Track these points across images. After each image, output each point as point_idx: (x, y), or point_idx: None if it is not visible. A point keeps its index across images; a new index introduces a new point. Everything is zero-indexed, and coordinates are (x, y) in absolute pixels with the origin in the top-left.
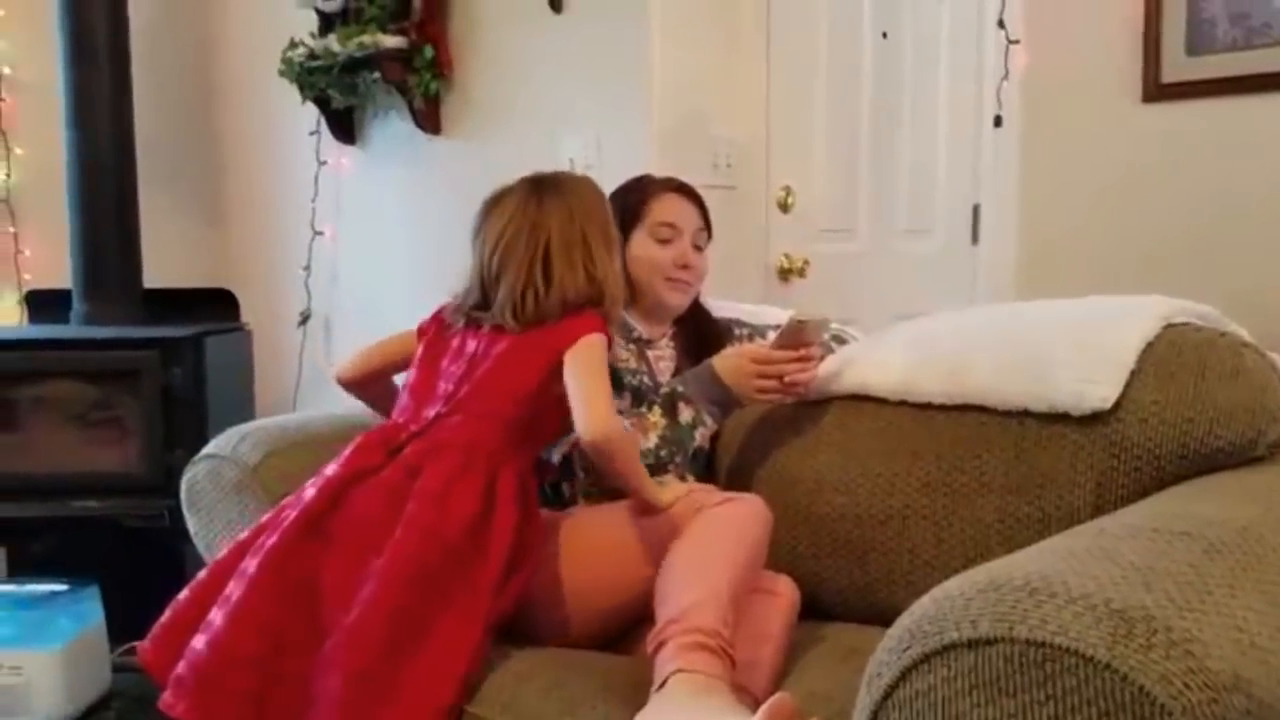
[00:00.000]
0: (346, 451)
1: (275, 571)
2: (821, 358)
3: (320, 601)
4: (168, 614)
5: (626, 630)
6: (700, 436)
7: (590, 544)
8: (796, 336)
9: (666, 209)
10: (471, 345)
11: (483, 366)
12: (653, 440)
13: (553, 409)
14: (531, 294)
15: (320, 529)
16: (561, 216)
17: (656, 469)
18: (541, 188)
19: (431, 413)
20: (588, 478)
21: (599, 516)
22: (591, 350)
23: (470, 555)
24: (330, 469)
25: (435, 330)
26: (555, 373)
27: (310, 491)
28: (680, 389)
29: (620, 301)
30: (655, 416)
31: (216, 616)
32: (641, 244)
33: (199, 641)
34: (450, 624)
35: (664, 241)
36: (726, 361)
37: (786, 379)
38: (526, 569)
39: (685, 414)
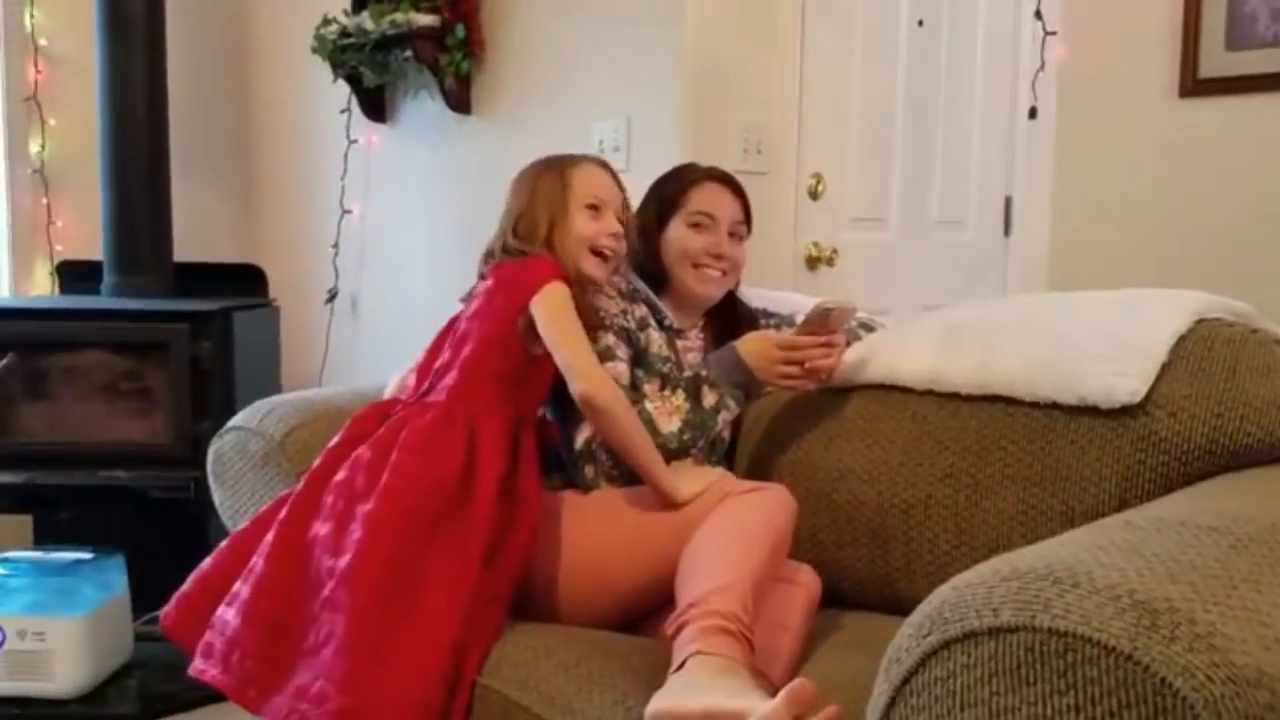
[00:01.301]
0: (347, 423)
1: (284, 542)
2: (847, 344)
3: (317, 555)
4: (190, 583)
5: (648, 613)
6: (723, 421)
7: (613, 526)
8: (822, 323)
9: (705, 198)
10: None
11: (463, 327)
12: (675, 424)
13: (539, 365)
14: (500, 243)
15: (319, 494)
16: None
17: (678, 453)
18: (551, 162)
19: (426, 384)
20: (609, 460)
21: (622, 499)
22: (553, 302)
23: (457, 498)
24: (332, 440)
25: (453, 318)
26: (528, 325)
27: (316, 462)
28: (704, 373)
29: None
30: (679, 400)
31: (243, 590)
32: (676, 230)
33: (229, 614)
34: (440, 577)
35: (697, 227)
36: (750, 345)
37: (809, 365)
38: (523, 529)
39: (709, 398)
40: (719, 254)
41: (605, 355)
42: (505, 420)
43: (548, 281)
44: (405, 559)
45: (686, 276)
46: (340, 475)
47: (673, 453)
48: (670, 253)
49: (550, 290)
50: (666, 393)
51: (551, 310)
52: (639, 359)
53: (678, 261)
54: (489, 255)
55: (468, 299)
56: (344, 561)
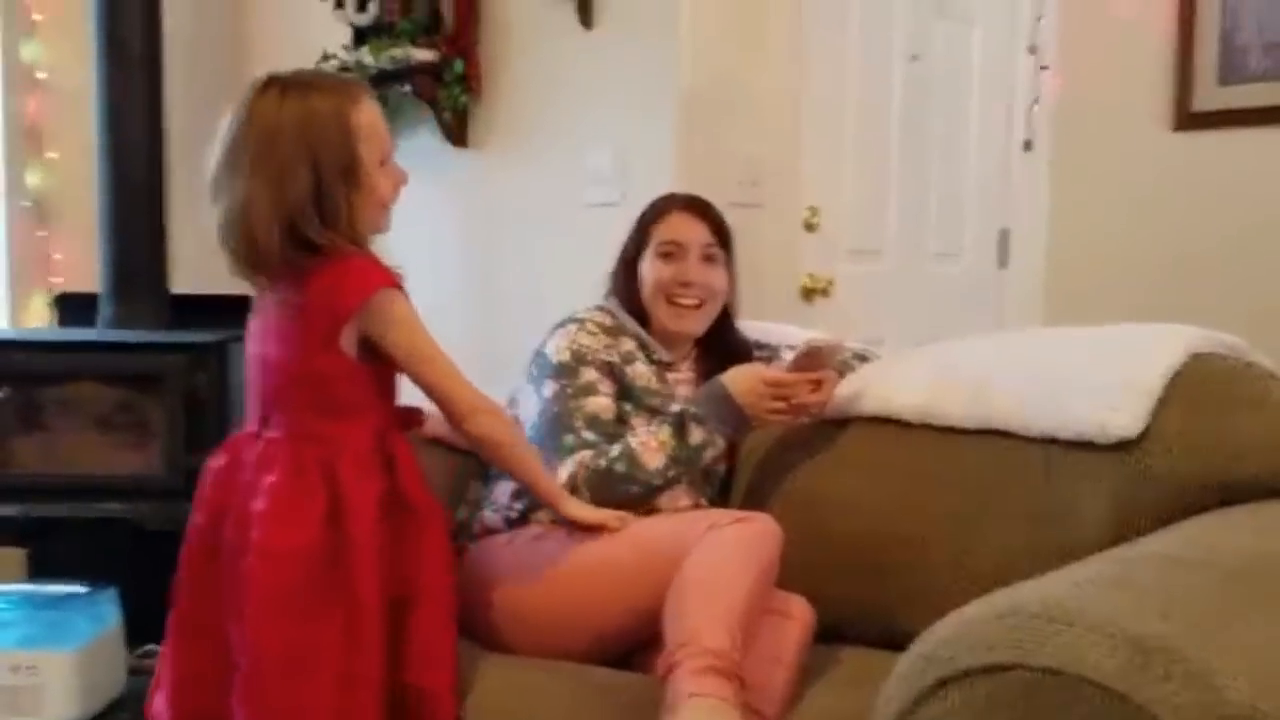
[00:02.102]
0: (203, 484)
1: (186, 628)
2: (840, 376)
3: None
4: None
5: (636, 647)
6: (709, 458)
7: (593, 563)
8: (812, 360)
9: (671, 227)
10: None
11: (272, 354)
12: (660, 460)
13: (363, 369)
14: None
15: (201, 572)
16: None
17: (663, 488)
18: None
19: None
20: (590, 495)
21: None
22: (403, 321)
23: (331, 554)
24: (196, 513)
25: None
26: (363, 346)
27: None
28: (692, 409)
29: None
30: (664, 436)
31: (165, 675)
32: (647, 263)
33: (160, 703)
34: (336, 644)
35: (667, 257)
36: (739, 383)
37: (795, 401)
38: (429, 535)
39: (696, 435)
40: (687, 281)
41: (589, 390)
42: (365, 440)
43: (375, 290)
44: (298, 641)
45: (661, 313)
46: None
47: (657, 489)
48: (645, 288)
49: (389, 304)
50: (653, 428)
51: (405, 333)
52: (626, 393)
53: (652, 297)
54: (260, 252)
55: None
56: (242, 668)
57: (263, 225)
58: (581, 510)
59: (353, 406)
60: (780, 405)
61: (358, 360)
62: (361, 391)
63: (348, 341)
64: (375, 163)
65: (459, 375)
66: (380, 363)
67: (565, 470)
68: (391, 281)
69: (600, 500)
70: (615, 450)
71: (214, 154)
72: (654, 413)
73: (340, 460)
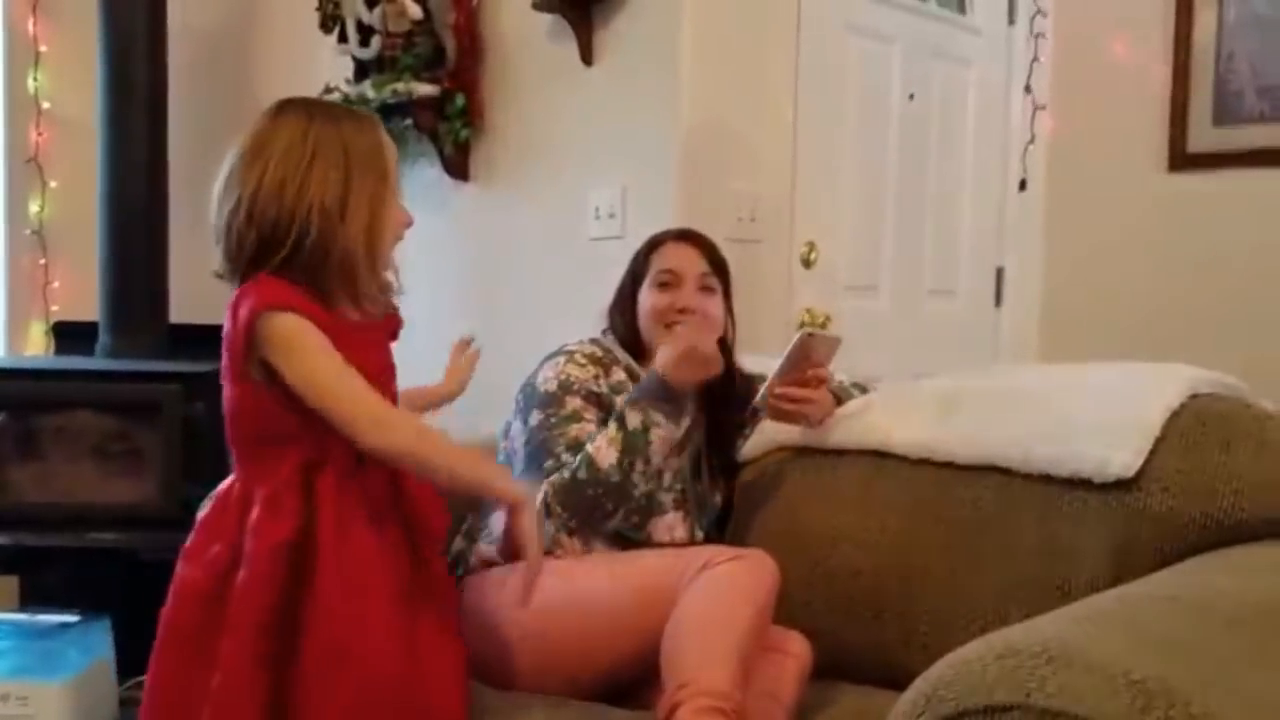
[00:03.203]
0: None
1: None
2: (838, 402)
3: None
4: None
5: (636, 683)
6: (657, 439)
7: (589, 600)
8: (806, 352)
9: (666, 257)
10: None
11: None
12: (613, 455)
13: (271, 399)
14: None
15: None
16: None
17: (623, 485)
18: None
19: None
20: (567, 514)
21: (598, 569)
22: (286, 340)
23: (218, 593)
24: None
25: None
26: (262, 371)
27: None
28: (625, 397)
29: (355, 269)
30: (612, 431)
31: None
32: (644, 294)
33: None
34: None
35: (664, 287)
36: (660, 360)
37: (781, 390)
38: (323, 583)
39: (633, 419)
40: (684, 308)
41: (573, 418)
42: (286, 474)
43: (259, 312)
44: (179, 685)
45: (659, 340)
46: None
47: (617, 486)
48: (643, 318)
49: (272, 327)
50: (607, 429)
51: (295, 359)
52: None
53: (650, 326)
54: (236, 247)
55: None
56: None
57: (260, 216)
58: (509, 483)
59: (272, 439)
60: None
61: (268, 389)
62: (277, 423)
63: (256, 370)
64: (395, 194)
65: (360, 394)
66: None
67: (539, 493)
68: (280, 303)
69: (578, 517)
70: (576, 459)
71: (232, 154)
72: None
73: (253, 499)
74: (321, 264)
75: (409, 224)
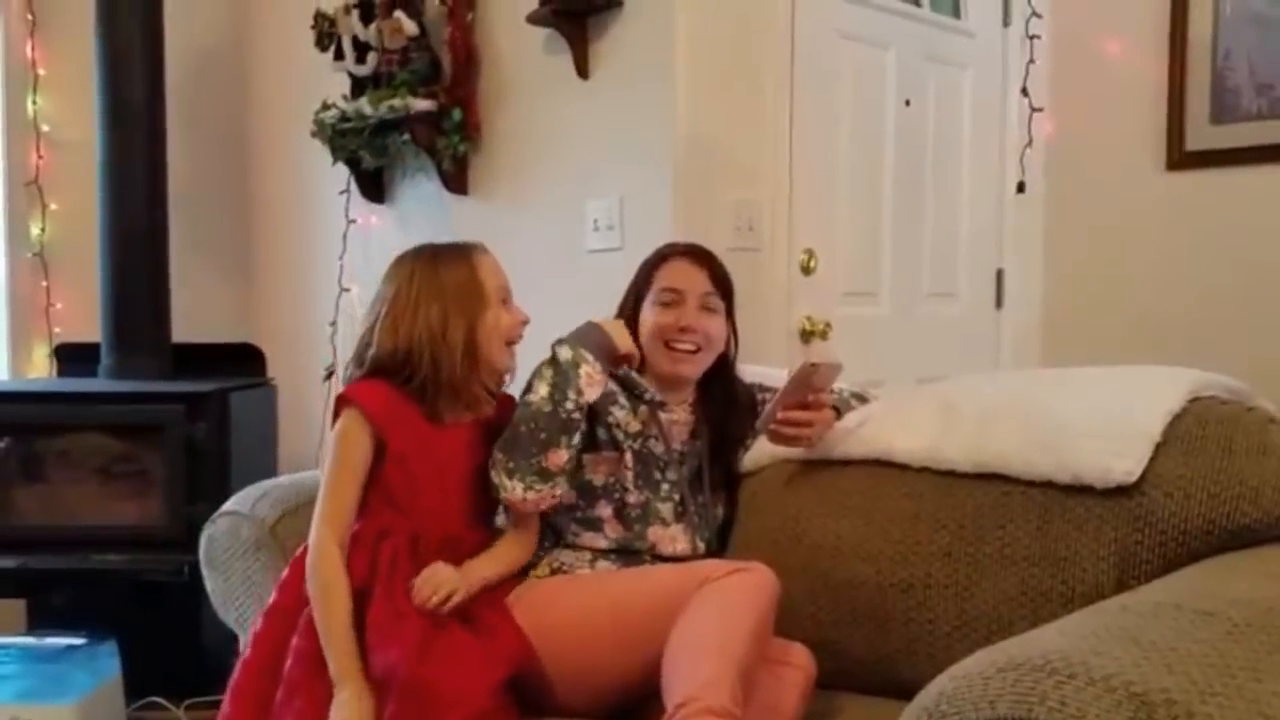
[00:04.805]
0: None
1: None
2: (838, 414)
3: None
4: None
5: (641, 700)
6: (584, 375)
7: (589, 618)
8: (807, 380)
9: (670, 274)
10: None
11: None
12: (544, 389)
13: (379, 478)
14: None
15: None
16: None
17: (553, 417)
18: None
19: None
20: (503, 456)
21: (599, 587)
22: (335, 431)
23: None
24: None
25: None
26: None
27: None
28: (558, 338)
29: (437, 368)
30: (543, 371)
31: None
32: (646, 310)
33: None
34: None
35: (666, 305)
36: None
37: (784, 415)
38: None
39: (563, 353)
40: (685, 327)
41: (535, 375)
42: (359, 533)
43: (338, 401)
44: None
45: (660, 357)
46: None
47: (548, 415)
48: (644, 334)
49: (339, 417)
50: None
51: (332, 441)
52: (603, 431)
53: (650, 342)
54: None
55: None
56: None
57: (380, 347)
58: (341, 685)
59: (362, 504)
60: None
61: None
62: (362, 492)
63: None
64: (496, 306)
65: (335, 507)
66: (379, 470)
67: (494, 475)
68: (353, 397)
69: (517, 458)
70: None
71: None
72: (639, 456)
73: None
74: (432, 379)
75: (524, 323)
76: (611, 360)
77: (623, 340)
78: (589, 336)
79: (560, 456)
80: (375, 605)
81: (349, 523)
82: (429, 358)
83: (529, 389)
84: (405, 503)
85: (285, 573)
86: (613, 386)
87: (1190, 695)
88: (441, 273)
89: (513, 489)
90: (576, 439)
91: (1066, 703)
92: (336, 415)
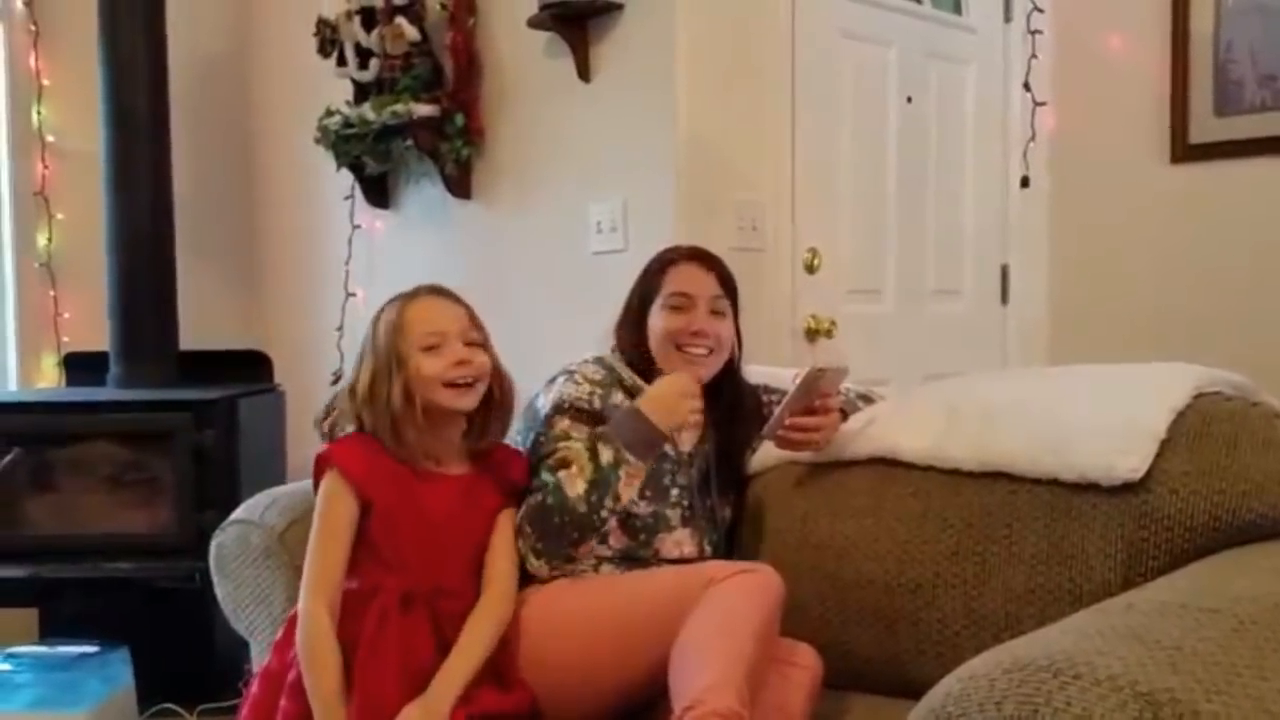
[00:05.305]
0: None
1: None
2: (844, 416)
3: None
4: None
5: (644, 706)
6: (625, 475)
7: (595, 621)
8: (814, 385)
9: (679, 279)
10: None
11: None
12: (581, 486)
13: (367, 536)
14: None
15: None
16: None
17: (588, 516)
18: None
19: None
20: (533, 535)
21: (605, 591)
22: (319, 495)
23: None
24: None
25: None
26: None
27: None
28: (600, 429)
29: (390, 425)
30: (582, 460)
31: None
32: (656, 315)
33: None
34: None
35: (676, 309)
36: (648, 396)
37: (793, 421)
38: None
39: (605, 454)
40: (698, 330)
41: (561, 437)
42: (354, 594)
43: (319, 460)
44: None
45: (672, 359)
46: None
47: (582, 516)
48: (654, 339)
49: (322, 480)
50: (579, 457)
51: (317, 505)
52: None
53: (662, 346)
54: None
55: None
56: None
57: (348, 407)
58: None
59: (351, 563)
60: (696, 406)
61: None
62: (351, 551)
63: None
64: (424, 355)
65: (320, 572)
66: (366, 528)
67: (521, 546)
68: (333, 458)
69: (544, 541)
70: (550, 483)
71: None
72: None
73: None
74: (387, 432)
75: (458, 363)
76: (659, 448)
77: (674, 420)
78: (635, 431)
79: (589, 547)
80: (359, 669)
81: (337, 585)
82: (372, 416)
83: (541, 447)
84: (393, 559)
85: (280, 633)
86: (620, 397)
87: (1195, 694)
88: (379, 329)
89: (539, 568)
90: (606, 526)
91: (1072, 703)
92: (318, 477)
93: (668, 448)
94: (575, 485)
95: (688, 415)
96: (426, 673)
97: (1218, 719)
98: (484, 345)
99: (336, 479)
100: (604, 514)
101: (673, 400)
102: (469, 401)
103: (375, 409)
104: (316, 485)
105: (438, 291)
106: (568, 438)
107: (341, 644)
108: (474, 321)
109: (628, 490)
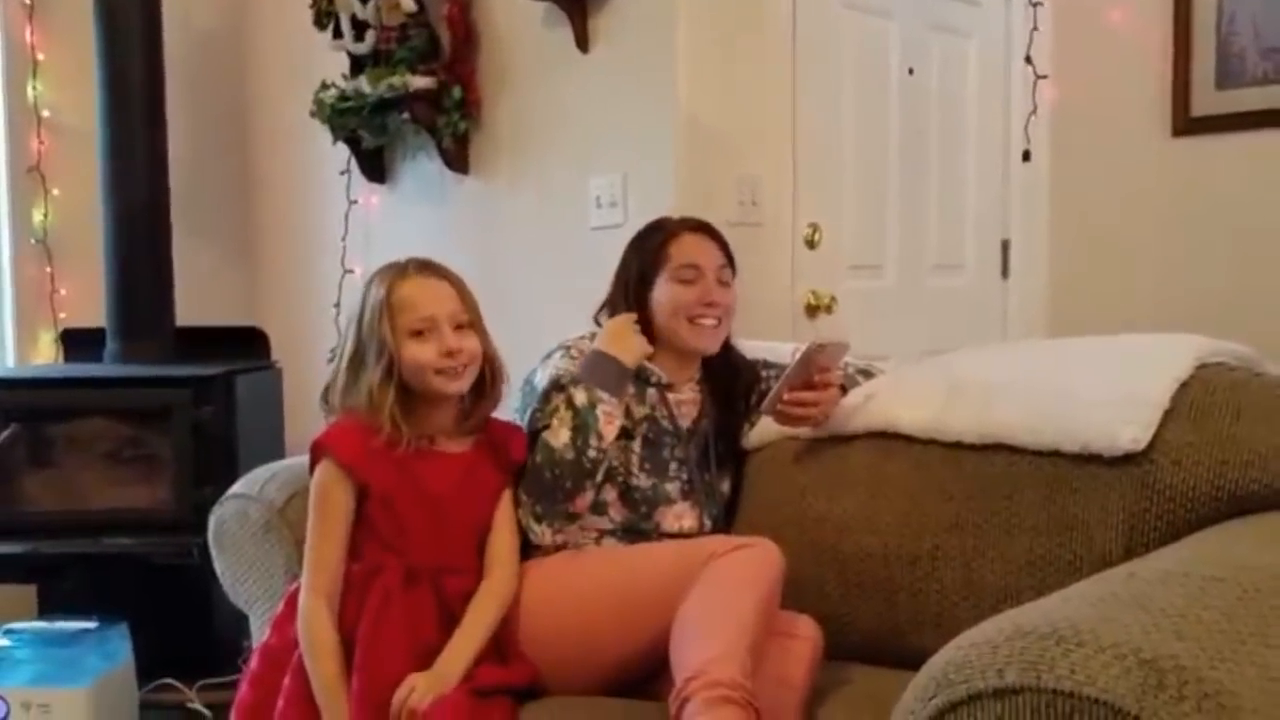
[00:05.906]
0: None
1: None
2: (843, 390)
3: None
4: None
5: (644, 678)
6: (603, 415)
7: (596, 595)
8: (814, 360)
9: (687, 250)
10: None
11: None
12: (565, 435)
13: (365, 519)
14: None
15: None
16: None
17: (576, 464)
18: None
19: None
20: (530, 499)
21: (606, 565)
22: (313, 484)
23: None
24: None
25: None
26: None
27: None
28: (569, 375)
29: (374, 410)
30: (561, 411)
31: None
32: (663, 288)
33: None
34: None
35: (687, 283)
36: (602, 337)
37: (791, 397)
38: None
39: (579, 397)
40: (710, 301)
41: (556, 412)
42: (349, 575)
43: (313, 447)
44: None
45: (683, 331)
46: None
47: (571, 463)
48: (662, 311)
49: (317, 469)
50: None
51: (311, 494)
52: None
53: (671, 318)
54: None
55: None
56: None
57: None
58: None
59: (353, 545)
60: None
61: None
62: (350, 536)
63: None
64: (413, 335)
65: (318, 561)
66: (366, 510)
67: (521, 517)
68: (327, 444)
69: (545, 503)
70: (538, 444)
71: None
72: (648, 442)
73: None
74: (364, 411)
75: (448, 353)
76: (627, 379)
77: (631, 352)
78: (600, 369)
79: (586, 500)
80: (363, 646)
81: (337, 574)
82: (353, 396)
83: (536, 421)
84: (394, 539)
85: (279, 609)
86: None
87: (1199, 661)
88: (365, 308)
89: (541, 534)
90: (600, 475)
91: (1075, 670)
92: (313, 464)
93: (664, 422)
94: (559, 435)
95: (638, 344)
96: (432, 649)
97: (1222, 686)
98: (474, 326)
99: (331, 467)
100: (592, 455)
101: (623, 333)
102: (459, 386)
103: (356, 389)
104: (312, 472)
105: (427, 268)
106: (560, 411)
107: (345, 623)
108: (464, 299)
109: (609, 429)
